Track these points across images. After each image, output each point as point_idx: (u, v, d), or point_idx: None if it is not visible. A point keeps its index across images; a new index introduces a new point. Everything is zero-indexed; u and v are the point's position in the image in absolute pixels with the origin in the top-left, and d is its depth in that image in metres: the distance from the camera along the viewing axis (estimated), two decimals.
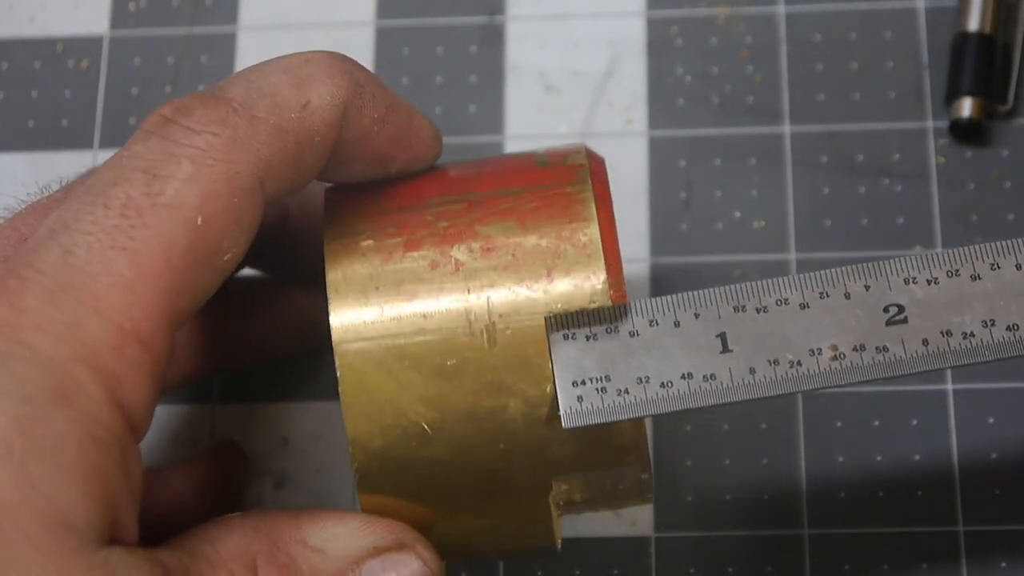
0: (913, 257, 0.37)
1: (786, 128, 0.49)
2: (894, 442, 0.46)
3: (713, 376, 0.36)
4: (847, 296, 0.37)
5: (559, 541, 0.39)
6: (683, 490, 0.46)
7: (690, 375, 0.36)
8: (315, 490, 0.46)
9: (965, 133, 0.48)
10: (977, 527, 0.45)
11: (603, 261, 0.37)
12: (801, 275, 0.37)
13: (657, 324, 0.37)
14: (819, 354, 0.36)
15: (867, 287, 0.37)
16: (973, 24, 0.49)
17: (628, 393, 0.36)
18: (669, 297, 0.37)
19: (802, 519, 0.45)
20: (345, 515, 0.38)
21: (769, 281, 0.37)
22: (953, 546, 0.44)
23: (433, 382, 0.37)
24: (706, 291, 0.37)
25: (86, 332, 0.33)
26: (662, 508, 0.45)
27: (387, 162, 0.39)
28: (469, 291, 0.37)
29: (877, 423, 0.46)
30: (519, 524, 0.39)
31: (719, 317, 0.37)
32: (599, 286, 0.37)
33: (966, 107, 0.48)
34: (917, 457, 0.45)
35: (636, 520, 0.45)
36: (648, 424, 0.46)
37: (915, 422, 0.46)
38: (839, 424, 0.46)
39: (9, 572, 0.31)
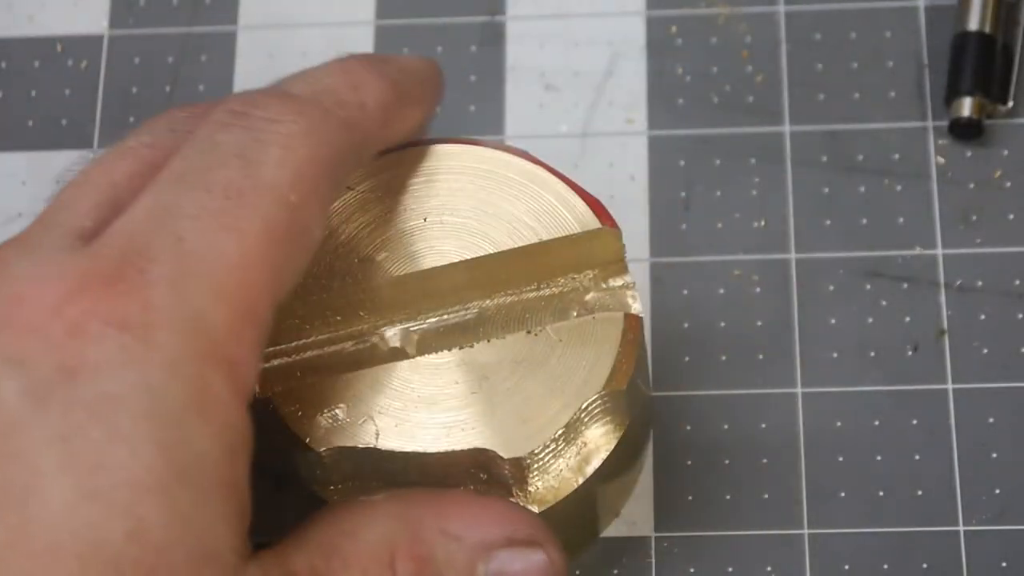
0: None
1: (786, 128, 0.49)
2: (894, 442, 0.46)
3: None
4: None
5: None
6: (683, 490, 0.45)
7: None
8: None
9: (965, 133, 0.48)
10: (977, 527, 0.45)
11: None
12: None
13: None
14: None
15: None
16: (973, 24, 0.49)
17: None
18: None
19: (802, 519, 0.45)
20: (487, 501, 0.37)
21: None
22: (953, 546, 0.44)
23: None
24: None
25: (209, 321, 0.32)
26: (662, 508, 0.45)
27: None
28: None
29: (877, 423, 0.46)
30: None
31: None
32: None
33: (966, 107, 0.48)
34: (917, 457, 0.45)
35: (636, 520, 0.45)
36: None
37: (915, 422, 0.46)
38: (839, 424, 0.46)
39: None
